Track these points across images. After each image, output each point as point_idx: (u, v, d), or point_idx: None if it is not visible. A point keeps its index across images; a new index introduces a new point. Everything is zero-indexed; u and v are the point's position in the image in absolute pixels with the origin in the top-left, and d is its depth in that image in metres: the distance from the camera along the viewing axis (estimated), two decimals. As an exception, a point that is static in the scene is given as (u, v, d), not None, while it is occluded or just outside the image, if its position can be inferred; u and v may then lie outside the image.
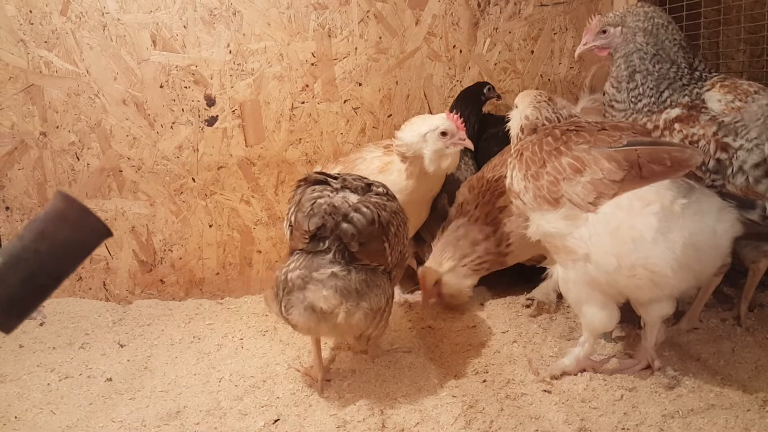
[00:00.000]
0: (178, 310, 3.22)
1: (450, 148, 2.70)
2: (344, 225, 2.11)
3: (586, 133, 2.19)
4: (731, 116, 2.29)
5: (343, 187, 2.28)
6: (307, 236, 2.15)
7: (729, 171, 2.24)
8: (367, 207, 2.16)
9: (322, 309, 2.09)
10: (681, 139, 2.33)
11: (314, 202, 2.16)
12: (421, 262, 3.37)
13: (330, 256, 2.14)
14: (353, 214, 2.12)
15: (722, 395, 2.11)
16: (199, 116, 3.29)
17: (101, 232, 1.59)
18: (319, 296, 2.08)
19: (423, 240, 3.30)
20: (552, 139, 2.24)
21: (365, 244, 2.15)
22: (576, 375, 2.28)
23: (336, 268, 2.11)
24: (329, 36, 3.32)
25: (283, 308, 2.16)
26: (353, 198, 2.23)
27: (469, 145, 2.70)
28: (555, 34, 3.51)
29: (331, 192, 2.23)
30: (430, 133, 2.68)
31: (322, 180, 2.30)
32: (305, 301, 2.10)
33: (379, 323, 2.25)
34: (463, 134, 2.67)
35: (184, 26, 3.21)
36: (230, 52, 3.26)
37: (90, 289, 3.38)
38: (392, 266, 2.31)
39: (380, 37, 3.36)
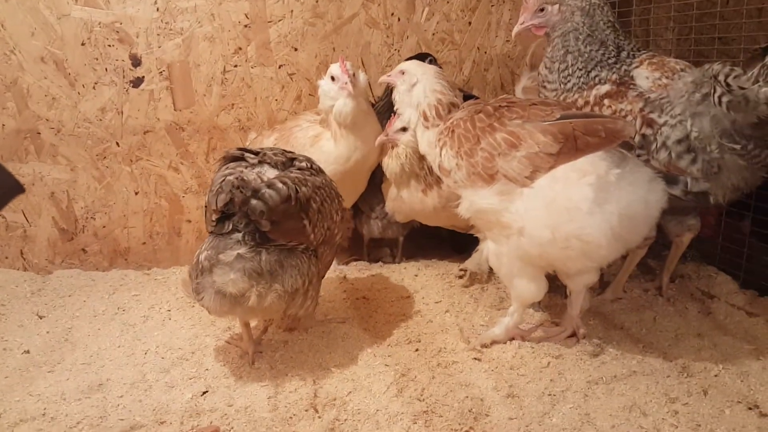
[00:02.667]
0: (101, 280, 3.10)
1: (340, 94, 2.77)
2: (253, 202, 1.95)
3: (519, 108, 2.19)
4: (658, 93, 2.34)
5: (262, 162, 2.15)
6: (215, 216, 2.03)
7: (653, 146, 2.29)
8: (284, 182, 2.00)
9: (231, 293, 1.97)
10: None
11: (224, 180, 2.01)
12: (357, 233, 3.35)
13: (239, 236, 2.01)
14: (265, 190, 1.96)
15: (644, 362, 2.19)
16: (123, 77, 3.13)
17: (12, 187, 1.49)
18: (226, 280, 1.97)
19: (361, 212, 3.28)
20: (485, 115, 2.22)
21: (279, 223, 2.00)
22: (505, 343, 2.33)
23: (242, 250, 1.98)
24: (264, -3, 3.20)
25: (194, 292, 2.06)
26: (271, 173, 2.10)
27: (350, 89, 2.73)
28: (492, 6, 3.50)
29: (246, 167, 2.10)
30: (325, 79, 2.85)
31: (240, 156, 2.17)
32: (214, 286, 1.98)
33: (303, 303, 2.15)
34: (346, 79, 2.74)
35: (108, -20, 3.03)
36: (158, 9, 3.09)
37: (6, 258, 3.21)
38: (317, 244, 2.19)
39: (317, 1, 3.26)
